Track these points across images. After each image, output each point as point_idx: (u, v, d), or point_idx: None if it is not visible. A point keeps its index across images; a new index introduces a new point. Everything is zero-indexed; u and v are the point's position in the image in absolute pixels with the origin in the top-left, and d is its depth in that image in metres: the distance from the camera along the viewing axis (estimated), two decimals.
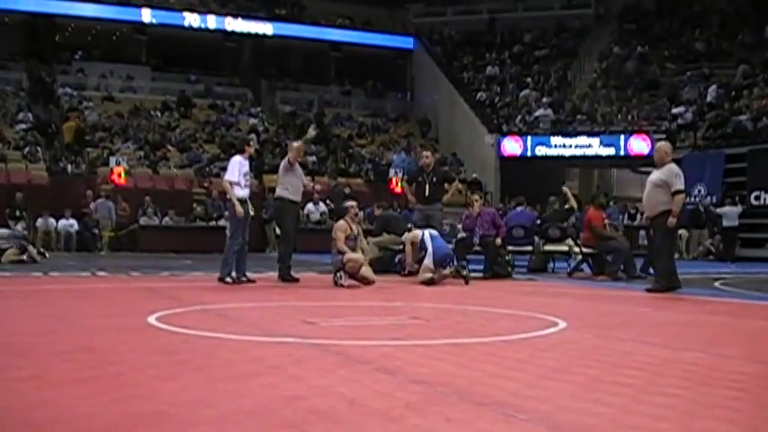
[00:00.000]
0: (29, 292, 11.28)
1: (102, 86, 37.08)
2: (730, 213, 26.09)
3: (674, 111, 31.09)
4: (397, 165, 31.99)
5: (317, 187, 19.03)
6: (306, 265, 16.97)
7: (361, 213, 17.49)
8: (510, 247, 17.07)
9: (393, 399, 4.17)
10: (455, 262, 13.82)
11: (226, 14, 39.64)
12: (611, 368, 5.24)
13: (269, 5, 41.73)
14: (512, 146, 33.67)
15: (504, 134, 34.19)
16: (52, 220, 25.99)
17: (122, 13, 38.18)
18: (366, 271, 12.91)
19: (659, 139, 29.90)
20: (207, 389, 4.39)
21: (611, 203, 21.34)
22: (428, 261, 13.39)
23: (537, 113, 34.83)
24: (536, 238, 17.69)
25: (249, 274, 12.99)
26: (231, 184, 12.69)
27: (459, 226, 16.84)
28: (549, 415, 3.88)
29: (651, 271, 14.35)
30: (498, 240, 15.62)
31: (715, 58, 35.07)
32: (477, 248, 15.74)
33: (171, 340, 6.42)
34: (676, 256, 14.21)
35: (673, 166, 12.17)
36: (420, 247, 13.78)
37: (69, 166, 29.27)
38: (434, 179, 15.66)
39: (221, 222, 24.11)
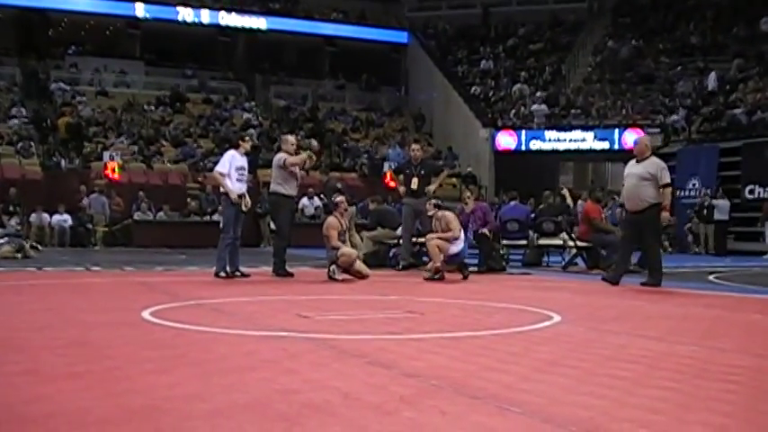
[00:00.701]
0: (23, 287, 11.27)
1: (95, 81, 36.99)
2: (722, 206, 26.16)
3: (670, 118, 31.02)
4: (392, 159, 31.97)
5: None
6: (300, 259, 16.96)
7: (352, 208, 17.51)
8: (504, 242, 17.09)
9: (387, 392, 4.18)
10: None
11: (219, 9, 39.58)
12: (605, 361, 5.25)
13: (263, 0, 41.68)
14: (506, 140, 33.66)
15: (499, 128, 34.17)
16: (46, 216, 25.94)
17: (116, 8, 38.11)
18: (360, 265, 12.94)
19: (653, 133, 30.17)
20: (202, 383, 4.39)
21: (615, 198, 21.31)
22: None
23: (532, 108, 34.82)
24: (530, 233, 17.68)
25: (244, 269, 12.99)
26: (222, 175, 12.71)
27: None
28: (543, 408, 3.89)
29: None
30: (485, 230, 15.57)
31: (710, 51, 35.11)
32: (472, 243, 15.74)
33: (165, 335, 6.42)
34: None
35: (657, 159, 12.19)
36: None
37: (63, 162, 29.23)
38: (422, 172, 15.58)
39: (215, 217, 24.11)
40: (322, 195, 28.29)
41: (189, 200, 27.35)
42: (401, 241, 16.02)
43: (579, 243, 16.69)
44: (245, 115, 35.68)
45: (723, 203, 26.16)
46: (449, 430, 3.51)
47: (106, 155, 27.74)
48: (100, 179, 27.35)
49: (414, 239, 15.89)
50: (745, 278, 14.67)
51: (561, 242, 17.52)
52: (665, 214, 11.74)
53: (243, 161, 12.95)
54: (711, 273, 15.72)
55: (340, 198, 13.72)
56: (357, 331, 6.71)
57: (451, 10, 43.99)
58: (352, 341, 6.10)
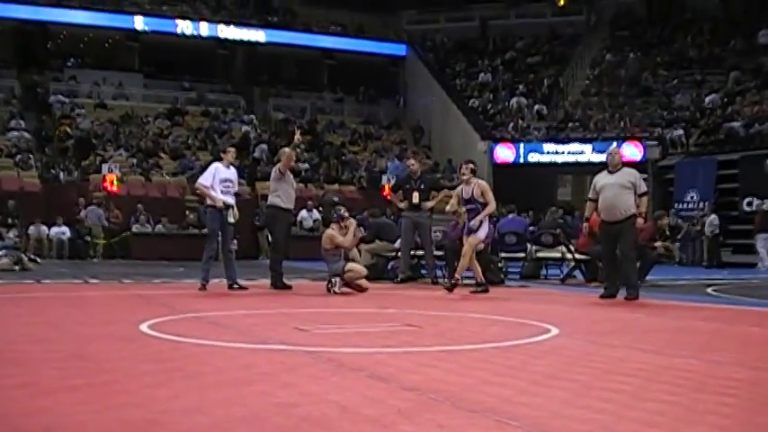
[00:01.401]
0: (21, 299, 11.26)
1: (94, 94, 37.03)
2: (712, 221, 26.28)
3: (669, 135, 31.02)
4: (391, 172, 32.00)
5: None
6: (298, 272, 16.96)
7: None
8: (502, 254, 17.09)
9: (385, 406, 4.18)
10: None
11: (218, 22, 39.64)
12: (603, 374, 5.25)
13: (261, 12, 41.77)
14: (504, 152, 33.68)
15: (497, 141, 34.19)
16: (44, 228, 25.95)
17: (115, 21, 38.19)
18: (362, 280, 12.95)
19: (652, 146, 30.25)
20: (199, 396, 4.39)
21: None
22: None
23: (530, 124, 34.93)
24: (529, 245, 17.68)
25: (242, 282, 12.99)
26: (205, 186, 12.75)
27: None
28: (541, 421, 3.89)
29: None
30: (481, 245, 15.55)
31: (707, 64, 35.20)
32: None
33: (163, 348, 6.42)
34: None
35: (631, 168, 12.25)
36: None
37: (62, 174, 29.24)
38: (422, 186, 15.73)
39: None
40: (320, 208, 28.29)
41: (187, 212, 27.34)
42: (399, 254, 16.05)
43: (578, 256, 16.69)
44: (244, 128, 35.68)
45: (712, 218, 26.29)
46: None
47: (105, 167, 27.77)
48: (98, 191, 27.36)
49: (412, 252, 15.95)
50: (744, 291, 14.66)
51: (560, 255, 17.52)
52: (640, 220, 11.81)
53: (228, 173, 12.94)
54: (709, 285, 15.72)
55: (345, 211, 13.71)
56: (355, 344, 6.71)
57: (450, 23, 44.09)
58: (351, 354, 6.10)
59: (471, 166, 13.61)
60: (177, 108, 36.90)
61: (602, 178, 12.12)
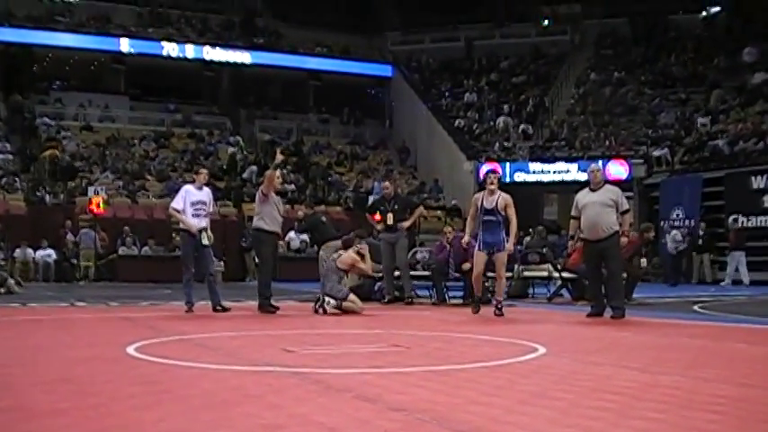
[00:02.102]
0: (7, 322, 11.22)
1: (80, 116, 37.03)
2: (675, 236, 26.38)
3: (656, 153, 31.13)
4: (377, 192, 32.00)
5: (300, 214, 19.01)
6: (285, 293, 16.94)
7: (337, 242, 17.53)
8: (489, 273, 17.09)
9: (372, 426, 4.18)
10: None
11: (204, 43, 39.68)
12: (590, 393, 5.26)
13: (247, 34, 41.84)
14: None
15: (483, 161, 34.26)
16: (30, 251, 25.87)
17: (100, 43, 38.17)
18: (352, 302, 12.95)
19: (637, 164, 30.37)
20: (186, 419, 4.38)
21: None
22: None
23: (516, 143, 35.04)
24: (515, 265, 17.68)
25: (225, 303, 12.93)
26: (177, 211, 12.70)
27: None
28: None
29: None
30: (467, 265, 15.60)
31: (691, 82, 35.39)
32: (457, 275, 15.79)
33: (150, 370, 6.40)
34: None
35: (613, 186, 12.27)
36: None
37: (47, 197, 29.19)
38: (396, 207, 15.78)
39: None
40: (304, 227, 28.16)
41: (174, 234, 27.22)
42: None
43: (564, 274, 16.70)
44: (230, 149, 35.68)
45: (674, 234, 26.37)
46: None
47: (91, 190, 27.70)
48: (85, 214, 27.29)
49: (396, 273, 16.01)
50: (730, 308, 14.70)
51: (546, 273, 17.53)
52: (624, 239, 11.82)
53: (200, 195, 12.86)
54: (696, 303, 15.76)
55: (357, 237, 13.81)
56: (342, 365, 6.70)
57: (435, 43, 44.21)
58: (338, 375, 6.09)
59: (500, 175, 13.01)
60: (163, 130, 36.90)
61: (583, 196, 12.08)
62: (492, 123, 37.70)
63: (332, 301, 12.70)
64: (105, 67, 40.45)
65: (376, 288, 16.76)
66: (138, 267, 25.94)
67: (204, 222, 12.77)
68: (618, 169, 30.65)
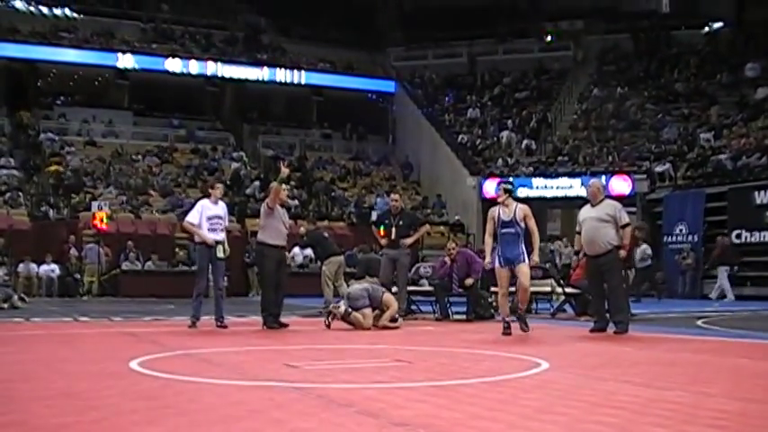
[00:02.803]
0: (11, 337, 11.23)
1: (84, 131, 37.04)
2: (645, 249, 26.32)
3: (658, 169, 31.11)
4: (380, 208, 31.99)
5: (302, 230, 19.02)
6: (289, 308, 16.90)
7: (341, 258, 17.50)
8: (492, 289, 17.08)
9: None
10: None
11: (207, 59, 39.75)
12: (593, 408, 5.26)
13: (250, 50, 41.92)
14: (493, 188, 33.40)
15: (486, 176, 34.26)
16: (34, 266, 25.89)
17: (104, 59, 38.23)
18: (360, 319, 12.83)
19: (640, 180, 30.36)
20: None
21: None
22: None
23: (519, 159, 35.08)
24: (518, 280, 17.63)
25: (226, 320, 12.87)
26: (192, 225, 12.70)
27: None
28: None
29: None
30: (469, 281, 15.58)
31: (694, 98, 35.41)
32: (460, 290, 15.77)
33: (153, 385, 6.40)
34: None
35: (613, 201, 12.27)
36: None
37: (51, 211, 29.22)
38: (401, 222, 15.32)
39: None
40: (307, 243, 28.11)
41: (177, 250, 27.30)
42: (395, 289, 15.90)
43: (568, 290, 16.69)
44: (234, 165, 35.70)
45: (644, 247, 26.28)
46: None
47: (94, 205, 27.66)
48: (88, 229, 27.30)
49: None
50: (733, 323, 14.68)
51: (549, 289, 17.52)
52: (623, 252, 11.81)
53: (216, 209, 12.84)
54: (699, 318, 15.74)
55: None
56: (345, 380, 6.71)
57: (438, 59, 44.25)
58: (341, 390, 6.10)
59: (505, 186, 12.09)
60: (167, 145, 36.98)
61: (584, 212, 12.18)
62: (495, 139, 37.72)
63: (342, 306, 12.68)
64: (109, 83, 40.54)
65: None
66: (142, 282, 25.91)
67: (220, 236, 12.78)
68: (621, 185, 30.65)
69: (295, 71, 41.31)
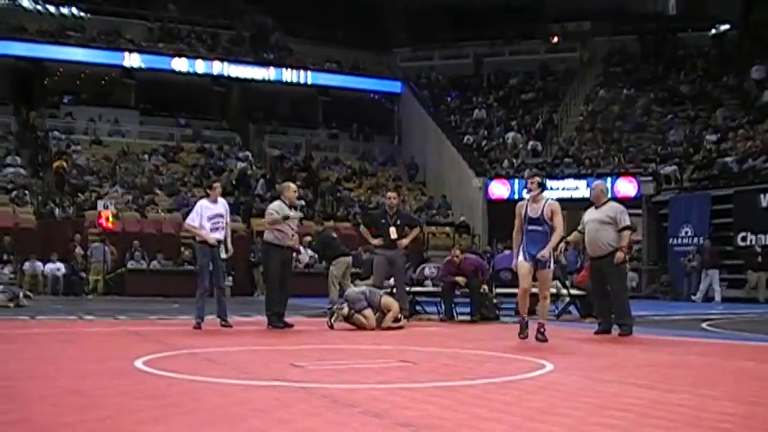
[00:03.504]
0: (16, 335, 11.24)
1: (90, 130, 37.06)
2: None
3: (664, 171, 31.05)
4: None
5: (307, 238, 18.92)
6: (294, 308, 16.91)
7: (348, 258, 17.45)
8: (497, 290, 17.08)
9: None
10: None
11: (214, 59, 39.77)
12: (597, 410, 5.25)
13: (257, 50, 41.93)
14: (499, 189, 33.67)
15: (492, 177, 34.24)
16: (39, 264, 25.90)
17: (111, 58, 38.25)
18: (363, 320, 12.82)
19: (646, 182, 30.33)
20: None
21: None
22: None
23: (525, 160, 35.04)
24: None
25: (230, 319, 12.84)
26: (193, 227, 12.68)
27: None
28: None
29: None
30: (485, 287, 15.63)
31: (700, 100, 35.36)
32: (465, 290, 15.77)
33: (158, 384, 6.41)
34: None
35: (615, 203, 12.29)
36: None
37: (57, 210, 29.25)
38: (398, 222, 15.04)
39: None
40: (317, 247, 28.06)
41: (183, 249, 27.28)
42: (395, 290, 15.77)
43: (573, 291, 16.69)
44: (240, 164, 35.70)
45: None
46: None
47: (100, 204, 27.65)
48: (94, 228, 27.32)
49: (408, 290, 15.85)
50: (738, 325, 14.67)
51: (554, 291, 17.49)
52: (620, 254, 11.77)
53: (216, 208, 12.77)
54: (705, 320, 15.72)
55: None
56: (350, 380, 6.71)
57: (444, 60, 44.25)
58: (345, 390, 6.10)
59: (539, 179, 11.38)
60: (173, 145, 37.01)
61: (588, 214, 12.25)
62: (501, 140, 37.69)
63: (345, 308, 12.68)
64: (116, 82, 40.53)
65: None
66: (147, 281, 25.90)
67: (221, 235, 12.73)
68: (627, 186, 30.61)
69: (301, 71, 41.30)
